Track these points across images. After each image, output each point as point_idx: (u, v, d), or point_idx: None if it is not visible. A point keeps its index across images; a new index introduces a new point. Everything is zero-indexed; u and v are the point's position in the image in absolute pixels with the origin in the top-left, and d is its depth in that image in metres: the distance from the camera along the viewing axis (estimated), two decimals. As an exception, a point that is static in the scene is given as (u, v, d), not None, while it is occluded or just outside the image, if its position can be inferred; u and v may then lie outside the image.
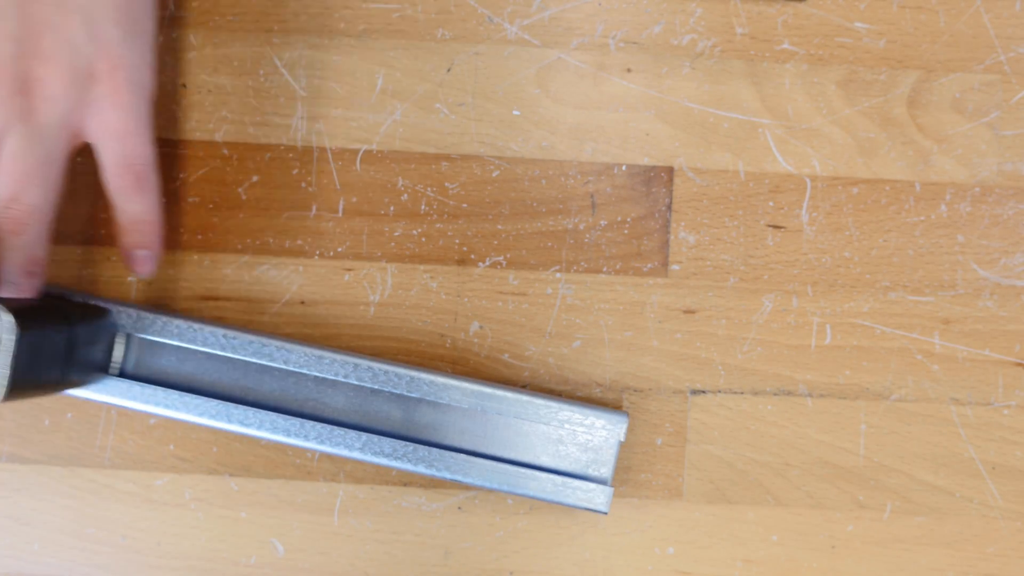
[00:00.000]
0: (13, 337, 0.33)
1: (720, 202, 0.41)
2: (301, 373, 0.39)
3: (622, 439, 0.39)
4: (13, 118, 0.33)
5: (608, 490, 0.39)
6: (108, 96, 0.35)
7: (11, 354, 0.33)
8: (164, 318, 0.39)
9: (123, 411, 0.41)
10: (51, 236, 0.36)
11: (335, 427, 0.39)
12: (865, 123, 0.42)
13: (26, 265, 0.35)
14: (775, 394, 0.41)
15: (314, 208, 0.41)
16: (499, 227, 0.41)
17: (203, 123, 0.41)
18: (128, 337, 0.39)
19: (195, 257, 0.41)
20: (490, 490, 0.40)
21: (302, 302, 0.41)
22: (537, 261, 0.41)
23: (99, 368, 0.39)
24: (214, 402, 0.39)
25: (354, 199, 0.41)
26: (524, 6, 0.41)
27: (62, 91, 0.34)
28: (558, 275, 0.41)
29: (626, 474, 0.41)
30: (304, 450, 0.41)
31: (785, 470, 0.41)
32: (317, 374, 0.39)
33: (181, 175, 0.41)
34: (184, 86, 0.41)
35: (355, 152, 0.41)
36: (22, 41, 0.32)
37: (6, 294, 0.36)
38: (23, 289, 0.36)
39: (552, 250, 0.41)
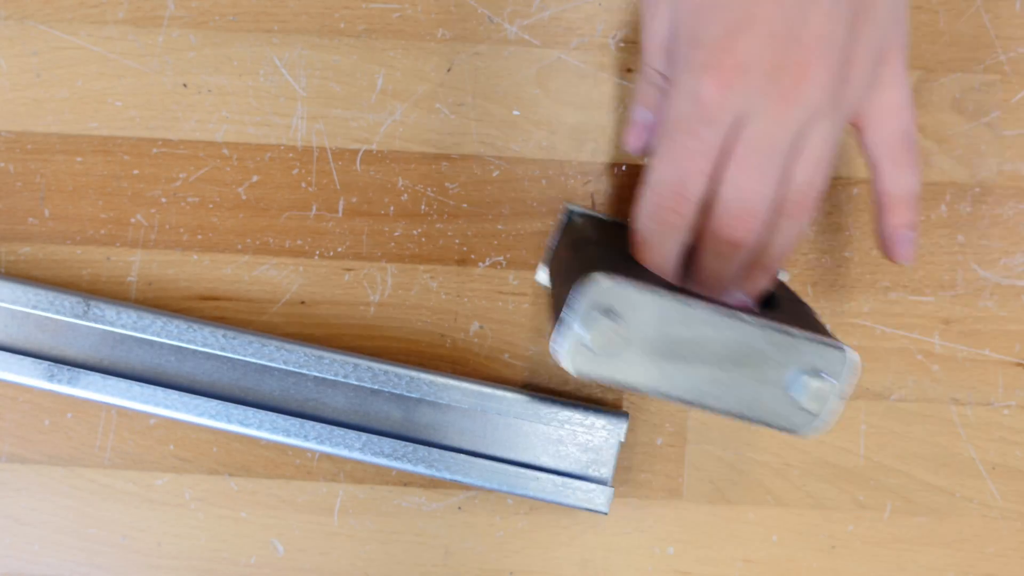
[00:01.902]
0: (855, 379, 0.31)
1: (720, 202, 0.41)
2: (301, 373, 0.39)
3: (622, 439, 0.39)
4: (826, 106, 0.33)
5: (608, 490, 0.39)
6: (891, 75, 0.35)
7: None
8: (164, 318, 0.39)
9: (123, 411, 0.41)
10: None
11: (335, 427, 0.39)
12: (865, 123, 0.41)
13: (788, 250, 0.35)
14: (775, 394, 0.41)
15: (314, 208, 0.41)
16: (499, 227, 0.41)
17: (203, 123, 0.41)
18: None
19: (195, 257, 0.41)
20: (490, 490, 0.40)
21: (302, 302, 0.41)
22: (537, 261, 0.41)
23: None
24: (214, 402, 0.39)
25: (354, 199, 0.41)
26: (524, 6, 0.41)
27: (866, 75, 0.34)
28: (558, 275, 0.41)
29: (626, 474, 0.41)
30: (304, 450, 0.41)
31: (785, 470, 0.41)
32: (317, 374, 0.39)
33: (181, 175, 0.41)
34: (184, 86, 0.41)
35: (355, 152, 0.41)
36: (851, 24, 0.32)
37: (749, 289, 0.35)
38: (762, 280, 0.35)
39: (552, 250, 0.41)
